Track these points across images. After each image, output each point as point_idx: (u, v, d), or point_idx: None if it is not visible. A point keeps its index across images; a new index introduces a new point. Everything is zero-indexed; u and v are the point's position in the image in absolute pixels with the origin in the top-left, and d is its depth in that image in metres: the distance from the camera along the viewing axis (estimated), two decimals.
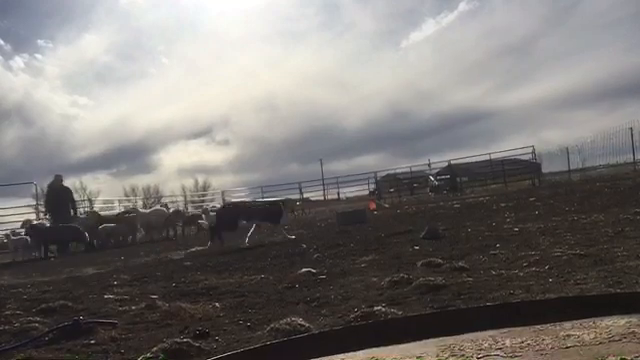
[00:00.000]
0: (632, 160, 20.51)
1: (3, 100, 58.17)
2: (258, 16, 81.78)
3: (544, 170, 25.00)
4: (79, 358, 2.62)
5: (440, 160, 27.05)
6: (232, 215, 9.04)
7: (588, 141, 23.19)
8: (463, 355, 1.06)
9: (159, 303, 3.72)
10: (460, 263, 3.99)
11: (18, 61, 71.91)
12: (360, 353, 1.14)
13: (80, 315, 3.44)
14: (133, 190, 44.51)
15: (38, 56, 71.70)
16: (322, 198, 28.68)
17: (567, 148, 24.02)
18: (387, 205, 16.79)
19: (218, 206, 14.44)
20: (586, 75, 64.55)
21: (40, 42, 72.34)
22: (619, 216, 5.72)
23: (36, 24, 71.96)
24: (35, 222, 14.85)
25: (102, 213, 17.02)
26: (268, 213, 9.25)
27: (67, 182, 16.25)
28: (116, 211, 18.84)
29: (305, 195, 26.28)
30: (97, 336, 2.97)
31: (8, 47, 64.53)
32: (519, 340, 1.11)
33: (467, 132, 63.43)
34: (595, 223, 5.47)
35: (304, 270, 4.55)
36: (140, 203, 31.33)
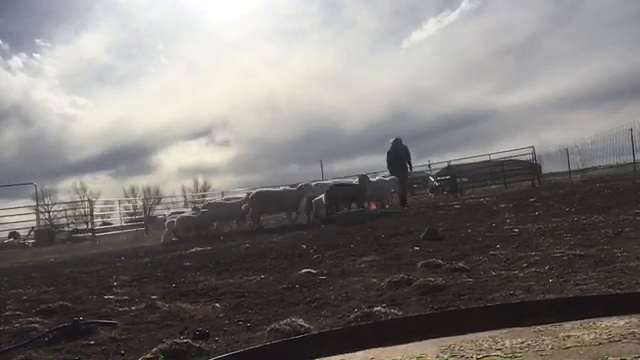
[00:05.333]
0: (632, 161, 20.53)
1: (1, 100, 58.34)
2: (259, 15, 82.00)
3: (544, 171, 25.04)
4: (79, 359, 2.62)
5: (440, 161, 27.02)
6: None
7: (588, 142, 23.25)
8: (463, 355, 1.06)
9: (159, 303, 3.72)
10: (460, 264, 3.98)
11: (16, 60, 72.19)
12: (360, 353, 1.13)
13: (80, 316, 3.44)
14: (133, 191, 44.60)
15: (36, 55, 71.89)
16: None
17: (567, 149, 24.09)
18: (387, 205, 16.75)
19: None
20: (587, 75, 64.65)
21: (38, 41, 72.65)
22: (619, 217, 5.72)
23: (34, 23, 72.17)
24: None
25: None
26: None
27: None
28: None
29: None
30: (97, 337, 2.97)
31: (6, 46, 64.81)
32: (519, 340, 1.10)
33: (467, 133, 63.49)
34: (595, 224, 5.47)
35: (304, 271, 4.55)
36: (140, 204, 31.26)
